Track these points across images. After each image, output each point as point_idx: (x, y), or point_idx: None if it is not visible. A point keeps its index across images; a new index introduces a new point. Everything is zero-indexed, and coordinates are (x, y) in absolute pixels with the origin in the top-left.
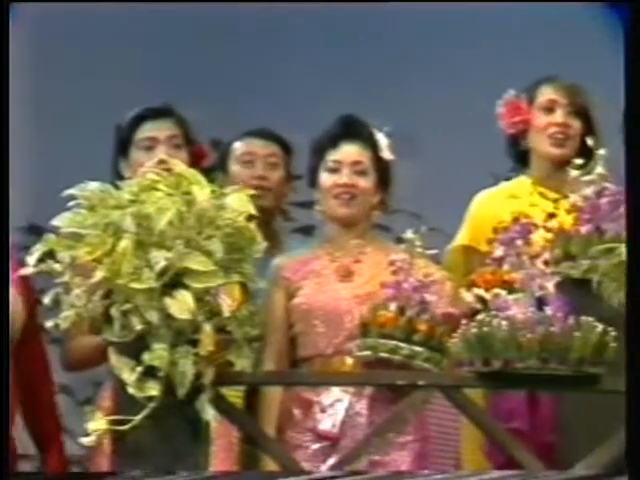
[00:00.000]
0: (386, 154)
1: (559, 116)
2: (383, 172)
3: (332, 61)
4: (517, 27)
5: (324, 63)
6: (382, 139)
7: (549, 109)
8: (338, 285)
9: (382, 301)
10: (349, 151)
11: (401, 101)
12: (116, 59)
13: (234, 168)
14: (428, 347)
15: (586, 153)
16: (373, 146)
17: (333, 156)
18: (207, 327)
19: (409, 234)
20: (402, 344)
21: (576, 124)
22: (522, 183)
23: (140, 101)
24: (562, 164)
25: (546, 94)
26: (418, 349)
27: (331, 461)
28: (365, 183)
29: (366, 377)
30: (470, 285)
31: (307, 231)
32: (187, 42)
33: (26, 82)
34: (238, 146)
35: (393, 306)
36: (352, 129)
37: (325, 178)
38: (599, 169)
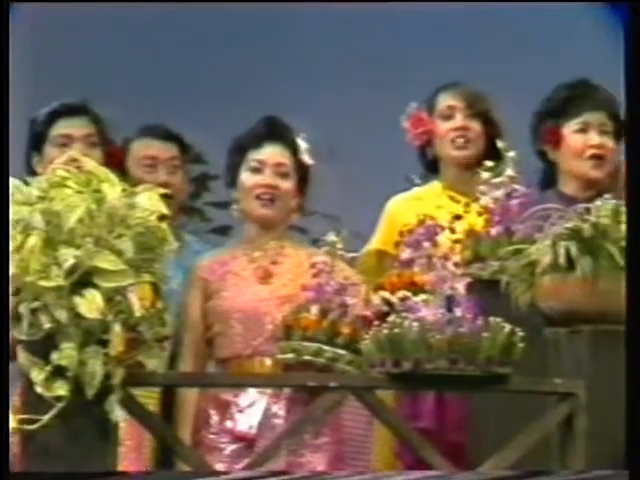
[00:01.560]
0: (306, 158)
1: (459, 121)
2: (303, 175)
3: (245, 61)
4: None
5: (238, 63)
6: (302, 143)
7: (448, 116)
8: (257, 287)
9: (303, 303)
10: (273, 152)
11: (317, 104)
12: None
13: (136, 172)
14: (351, 350)
15: (492, 155)
16: (294, 149)
17: (256, 156)
18: (117, 327)
19: (331, 237)
20: (325, 347)
21: (476, 126)
22: (433, 188)
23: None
24: (468, 166)
25: (444, 101)
26: (341, 352)
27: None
28: (286, 185)
29: (278, 379)
30: (378, 288)
31: (222, 231)
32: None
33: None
34: (137, 147)
35: (315, 309)
36: (275, 130)
37: (247, 178)
38: (509, 171)
